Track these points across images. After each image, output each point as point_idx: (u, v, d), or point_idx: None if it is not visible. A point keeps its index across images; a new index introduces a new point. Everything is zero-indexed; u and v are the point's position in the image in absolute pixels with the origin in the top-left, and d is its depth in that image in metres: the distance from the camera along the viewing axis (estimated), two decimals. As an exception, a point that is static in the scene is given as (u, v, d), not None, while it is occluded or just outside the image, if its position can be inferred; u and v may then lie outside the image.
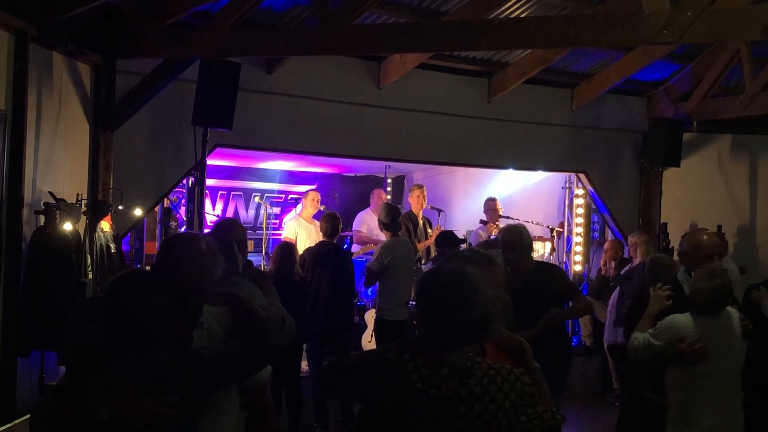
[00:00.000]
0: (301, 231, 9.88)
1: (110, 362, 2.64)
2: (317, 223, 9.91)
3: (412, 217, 10.04)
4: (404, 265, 8.39)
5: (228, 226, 4.73)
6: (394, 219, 8.45)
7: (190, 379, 2.78)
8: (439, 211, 10.96)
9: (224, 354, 2.91)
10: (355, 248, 10.41)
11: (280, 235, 10.63)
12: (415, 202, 10.18)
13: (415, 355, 2.64)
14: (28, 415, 3.14)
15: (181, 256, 2.91)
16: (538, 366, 3.15)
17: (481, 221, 10.76)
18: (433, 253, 9.84)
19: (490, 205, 10.88)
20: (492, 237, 10.20)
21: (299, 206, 10.48)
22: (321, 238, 8.42)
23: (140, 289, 2.73)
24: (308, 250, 8.22)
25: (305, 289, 7.85)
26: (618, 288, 9.02)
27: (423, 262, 9.72)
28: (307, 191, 10.57)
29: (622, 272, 9.16)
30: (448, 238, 8.43)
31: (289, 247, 7.95)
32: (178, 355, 2.77)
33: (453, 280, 2.68)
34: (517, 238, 6.02)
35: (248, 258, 4.93)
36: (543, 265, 6.75)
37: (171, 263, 2.89)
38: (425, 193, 10.38)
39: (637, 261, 9.05)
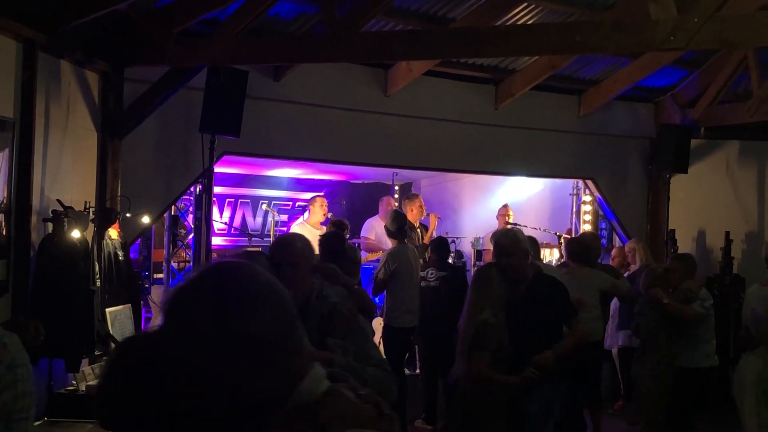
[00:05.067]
0: (306, 236, 9.83)
1: None
2: (324, 229, 9.91)
3: (409, 224, 10.02)
4: (411, 271, 8.39)
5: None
6: (401, 227, 8.47)
7: None
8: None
9: None
10: (362, 255, 10.41)
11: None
12: (418, 212, 10.13)
13: None
14: (38, 422, 3.13)
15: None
16: None
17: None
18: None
19: (501, 211, 10.94)
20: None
21: (306, 213, 10.48)
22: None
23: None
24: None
25: None
26: None
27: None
28: (314, 197, 10.56)
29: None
30: (442, 244, 8.58)
31: None
32: None
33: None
34: (513, 242, 5.42)
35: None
36: (544, 278, 5.81)
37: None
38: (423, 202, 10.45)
39: (635, 266, 9.26)
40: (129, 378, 1.77)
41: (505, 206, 11.02)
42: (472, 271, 10.44)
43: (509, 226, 10.55)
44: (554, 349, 5.21)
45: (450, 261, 9.47)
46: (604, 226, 11.72)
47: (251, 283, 1.64)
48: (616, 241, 11.29)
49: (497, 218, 10.92)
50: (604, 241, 11.68)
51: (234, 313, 1.57)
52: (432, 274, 8.43)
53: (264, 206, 12.43)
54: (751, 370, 5.44)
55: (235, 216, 12.67)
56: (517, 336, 5.17)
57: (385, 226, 8.77)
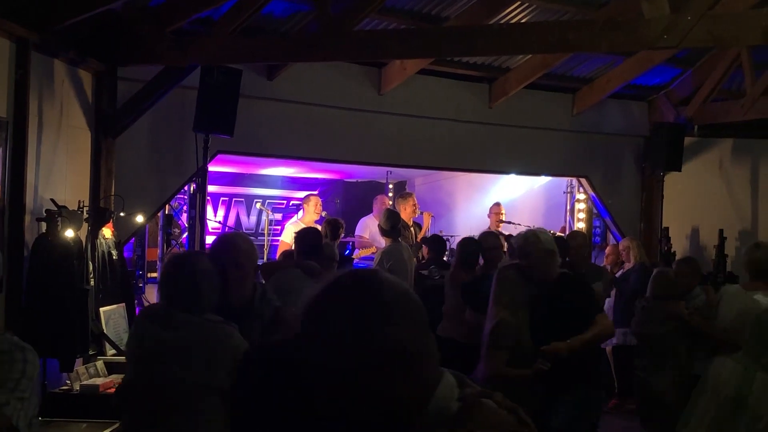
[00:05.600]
0: None
1: None
2: (319, 227, 9.89)
3: (402, 222, 10.00)
4: (405, 270, 8.37)
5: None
6: (394, 225, 8.46)
7: None
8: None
9: None
10: (356, 253, 10.41)
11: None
12: (411, 210, 10.12)
13: None
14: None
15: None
16: None
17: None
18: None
19: (493, 209, 10.89)
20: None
21: (300, 211, 10.48)
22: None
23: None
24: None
25: None
26: (615, 290, 9.08)
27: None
28: (307, 196, 10.53)
29: (618, 275, 9.26)
30: (439, 241, 8.53)
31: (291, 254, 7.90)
32: None
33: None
34: (531, 243, 5.28)
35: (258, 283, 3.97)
36: (569, 277, 5.67)
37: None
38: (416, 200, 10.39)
39: (630, 264, 9.30)
40: (264, 383, 1.76)
41: (498, 205, 10.95)
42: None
43: (501, 226, 10.59)
44: (570, 341, 5.04)
45: (444, 259, 9.45)
46: (598, 224, 11.74)
47: (388, 290, 1.62)
48: (610, 239, 11.31)
49: (489, 217, 10.89)
50: (598, 239, 11.72)
51: (373, 320, 1.56)
52: (435, 271, 8.40)
53: (258, 205, 12.43)
54: (730, 376, 5.30)
55: (230, 215, 12.68)
56: (541, 336, 5.05)
57: (378, 225, 8.76)
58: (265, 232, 11.02)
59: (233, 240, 3.98)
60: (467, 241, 7.68)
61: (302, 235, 6.73)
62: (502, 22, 8.57)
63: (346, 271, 1.72)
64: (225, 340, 3.39)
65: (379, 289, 1.62)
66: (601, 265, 9.87)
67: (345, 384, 1.57)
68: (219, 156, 8.46)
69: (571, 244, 7.84)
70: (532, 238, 5.34)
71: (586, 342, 5.13)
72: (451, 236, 11.57)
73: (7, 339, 2.94)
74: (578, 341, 5.07)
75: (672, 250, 10.19)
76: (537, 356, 4.99)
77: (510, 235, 9.37)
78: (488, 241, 7.58)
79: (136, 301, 7.77)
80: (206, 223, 8.40)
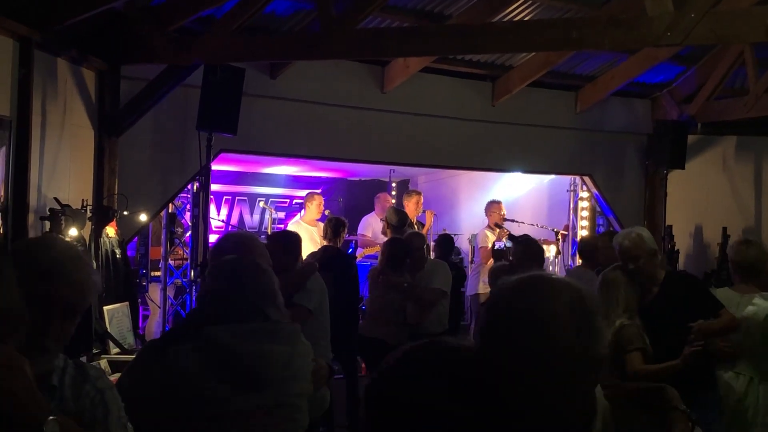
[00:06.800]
0: (301, 234, 9.76)
1: None
2: (320, 225, 9.88)
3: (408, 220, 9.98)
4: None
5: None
6: (403, 223, 8.46)
7: None
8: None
9: None
10: (359, 252, 10.40)
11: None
12: (414, 208, 10.09)
13: None
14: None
15: None
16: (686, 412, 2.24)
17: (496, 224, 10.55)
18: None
19: (493, 207, 10.62)
20: (499, 242, 10.16)
21: (303, 210, 10.46)
22: (323, 242, 8.39)
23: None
24: (311, 255, 8.19)
25: None
26: None
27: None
28: (312, 194, 10.48)
29: None
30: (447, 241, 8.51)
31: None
32: None
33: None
34: (637, 245, 4.92)
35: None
36: (675, 276, 5.32)
37: None
38: (422, 199, 10.32)
39: None
40: (420, 384, 1.58)
41: (498, 203, 10.41)
42: (470, 267, 10.42)
43: (505, 225, 10.49)
44: (716, 320, 4.75)
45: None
46: (601, 222, 11.73)
47: (565, 295, 1.55)
48: (614, 237, 11.28)
49: (487, 215, 10.59)
50: (600, 237, 11.67)
51: (552, 328, 1.49)
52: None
53: (261, 204, 12.44)
54: (729, 391, 5.07)
55: (233, 213, 12.68)
56: (659, 342, 4.70)
57: (387, 220, 8.74)
58: (269, 230, 11.02)
59: (257, 242, 3.75)
60: (394, 241, 7.61)
61: (286, 241, 6.09)
62: (505, 20, 8.56)
63: (521, 277, 1.64)
64: (306, 342, 3.14)
65: (558, 295, 1.54)
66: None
67: (522, 394, 1.47)
68: (222, 155, 8.46)
69: (599, 244, 7.73)
70: (637, 239, 4.97)
71: (724, 327, 4.84)
72: (455, 234, 11.55)
73: (95, 370, 2.34)
74: (715, 327, 4.79)
75: (675, 248, 10.18)
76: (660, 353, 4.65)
77: (513, 235, 9.31)
78: (414, 242, 7.56)
79: (139, 300, 7.78)
80: (209, 222, 8.40)
